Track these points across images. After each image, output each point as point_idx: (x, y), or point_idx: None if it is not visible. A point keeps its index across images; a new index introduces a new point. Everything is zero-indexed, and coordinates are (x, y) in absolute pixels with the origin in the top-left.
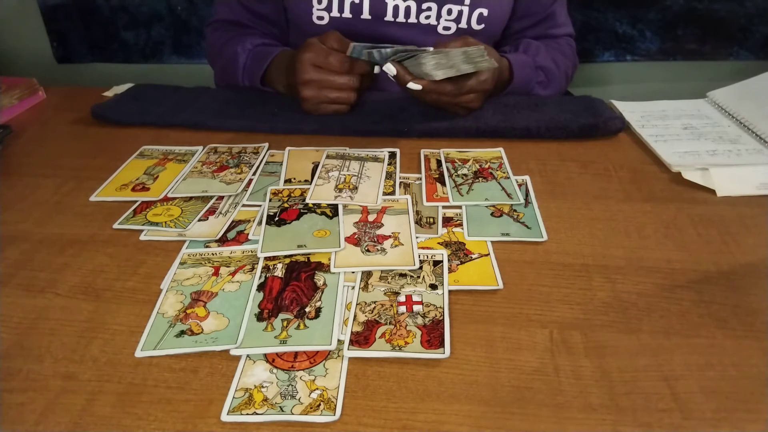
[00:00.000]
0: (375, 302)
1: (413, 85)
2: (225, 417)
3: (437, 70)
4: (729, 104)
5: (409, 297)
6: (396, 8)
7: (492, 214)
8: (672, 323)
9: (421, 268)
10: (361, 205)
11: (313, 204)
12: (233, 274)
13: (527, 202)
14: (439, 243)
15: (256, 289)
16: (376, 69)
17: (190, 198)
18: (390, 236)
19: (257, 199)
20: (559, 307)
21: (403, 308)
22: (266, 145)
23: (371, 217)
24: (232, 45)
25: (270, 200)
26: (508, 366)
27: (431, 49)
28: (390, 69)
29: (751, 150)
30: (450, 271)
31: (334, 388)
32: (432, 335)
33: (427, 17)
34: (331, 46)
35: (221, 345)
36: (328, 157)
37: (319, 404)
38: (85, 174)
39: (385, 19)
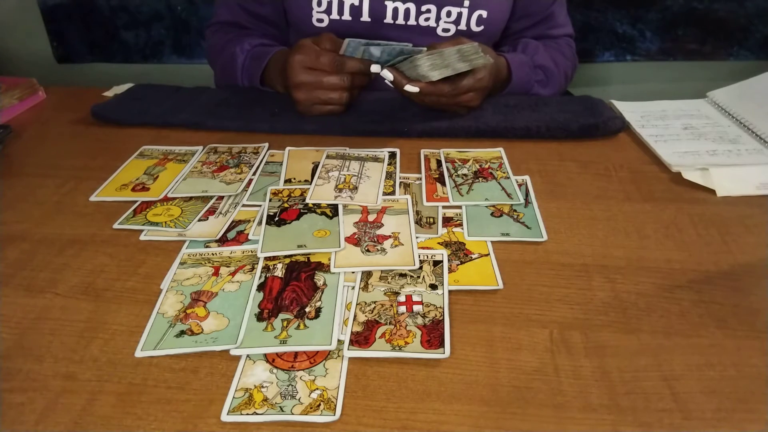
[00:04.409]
0: (375, 302)
1: (410, 88)
2: (225, 417)
3: (433, 70)
4: (729, 104)
5: (409, 297)
6: (395, 11)
7: (492, 214)
8: (672, 323)
9: (421, 268)
10: (361, 205)
11: (313, 204)
12: (233, 274)
13: (527, 202)
14: (439, 243)
15: (256, 289)
16: (374, 68)
17: (190, 198)
18: (390, 236)
19: (257, 199)
20: (559, 307)
21: (403, 308)
22: (266, 145)
23: (371, 217)
24: (231, 46)
25: (270, 200)
26: (508, 366)
27: (425, 49)
28: (387, 75)
29: (751, 150)
30: (450, 271)
31: (334, 388)
32: (432, 335)
33: (427, 19)
34: (324, 47)
35: (221, 345)
36: (328, 157)
37: (319, 404)
38: (85, 174)
39: (385, 21)
